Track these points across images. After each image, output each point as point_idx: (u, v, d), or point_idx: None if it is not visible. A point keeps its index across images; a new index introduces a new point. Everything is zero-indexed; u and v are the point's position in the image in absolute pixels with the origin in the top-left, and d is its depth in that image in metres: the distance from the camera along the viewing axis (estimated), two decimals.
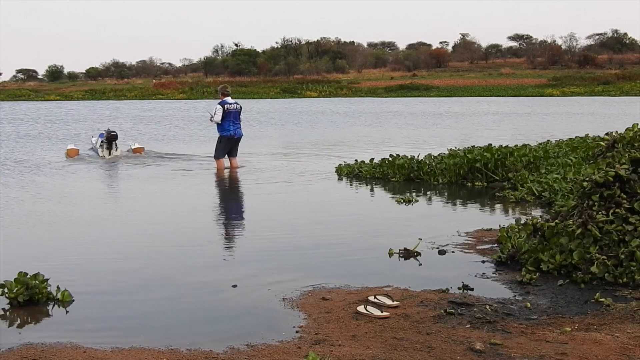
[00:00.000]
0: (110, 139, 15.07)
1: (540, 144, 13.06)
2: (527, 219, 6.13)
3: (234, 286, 5.20)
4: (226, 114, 12.22)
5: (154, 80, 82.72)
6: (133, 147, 16.03)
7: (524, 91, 56.49)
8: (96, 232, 7.41)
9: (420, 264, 5.88)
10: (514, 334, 4.06)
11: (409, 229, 7.30)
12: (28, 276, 4.88)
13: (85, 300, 4.92)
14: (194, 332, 4.25)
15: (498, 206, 8.75)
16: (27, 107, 43.91)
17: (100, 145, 15.30)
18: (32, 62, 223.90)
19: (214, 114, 12.34)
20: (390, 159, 11.59)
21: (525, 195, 8.91)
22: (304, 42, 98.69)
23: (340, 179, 11.38)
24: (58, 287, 4.94)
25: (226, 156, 12.61)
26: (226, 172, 12.20)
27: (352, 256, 6.17)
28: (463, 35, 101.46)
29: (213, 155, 12.74)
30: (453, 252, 6.19)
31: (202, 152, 15.26)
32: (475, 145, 11.98)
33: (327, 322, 4.34)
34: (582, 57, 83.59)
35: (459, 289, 5.02)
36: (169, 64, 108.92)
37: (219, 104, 12.37)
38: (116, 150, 15.24)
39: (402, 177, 10.96)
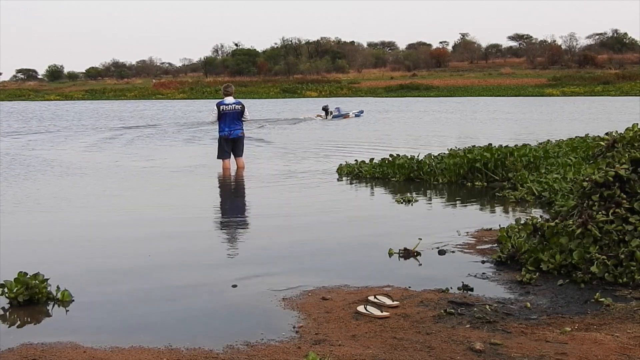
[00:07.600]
0: (325, 109, 30.48)
1: (540, 144, 13.05)
2: (527, 219, 6.13)
3: (234, 286, 5.20)
4: (221, 115, 12.22)
5: (153, 80, 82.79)
6: (343, 114, 30.37)
7: (524, 91, 56.53)
8: (96, 231, 7.41)
9: (420, 264, 5.88)
10: (514, 334, 4.06)
11: (409, 229, 7.29)
12: (28, 276, 4.88)
13: (85, 300, 4.92)
14: (194, 332, 4.25)
15: (498, 206, 8.75)
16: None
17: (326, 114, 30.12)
18: (32, 62, 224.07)
19: (211, 113, 12.44)
20: (390, 158, 11.59)
21: (525, 195, 8.91)
22: (304, 42, 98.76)
23: (340, 178, 11.38)
24: (58, 287, 4.93)
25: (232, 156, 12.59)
26: (231, 172, 12.17)
27: (352, 256, 6.17)
28: (463, 35, 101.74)
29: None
30: (453, 252, 6.19)
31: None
32: (475, 145, 11.97)
33: (327, 322, 4.34)
34: (582, 57, 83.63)
35: (459, 289, 5.01)
36: (169, 63, 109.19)
37: (216, 104, 12.39)
38: (330, 115, 30.11)
39: (402, 177, 10.95)
